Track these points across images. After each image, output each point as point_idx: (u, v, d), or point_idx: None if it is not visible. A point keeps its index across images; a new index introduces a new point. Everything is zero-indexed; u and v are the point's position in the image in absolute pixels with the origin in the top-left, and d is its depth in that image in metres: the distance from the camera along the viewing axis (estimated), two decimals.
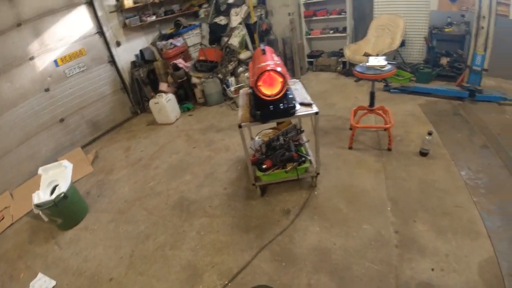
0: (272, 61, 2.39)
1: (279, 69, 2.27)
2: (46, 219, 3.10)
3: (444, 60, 5.40)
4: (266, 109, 2.45)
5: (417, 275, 2.21)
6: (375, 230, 2.59)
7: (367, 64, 3.26)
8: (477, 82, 4.49)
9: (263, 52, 2.56)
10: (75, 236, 3.11)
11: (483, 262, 2.21)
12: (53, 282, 2.57)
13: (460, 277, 2.14)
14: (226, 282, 2.36)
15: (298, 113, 2.52)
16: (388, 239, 2.50)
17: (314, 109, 2.52)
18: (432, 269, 2.22)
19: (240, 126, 2.55)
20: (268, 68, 2.26)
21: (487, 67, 4.33)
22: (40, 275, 2.62)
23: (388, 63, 3.17)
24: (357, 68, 3.32)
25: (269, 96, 2.32)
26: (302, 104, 2.59)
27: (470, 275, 2.14)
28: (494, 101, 4.37)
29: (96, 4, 5.01)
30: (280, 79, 2.28)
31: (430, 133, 3.27)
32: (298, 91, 2.92)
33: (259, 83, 2.29)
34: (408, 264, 2.29)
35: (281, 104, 2.43)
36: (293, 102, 2.49)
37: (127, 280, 2.52)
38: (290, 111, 2.47)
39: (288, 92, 2.53)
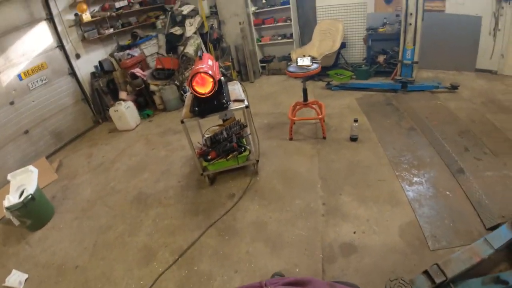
0: (205, 64, 2.80)
1: (210, 71, 2.68)
2: (16, 222, 3.27)
3: (380, 58, 5.95)
4: (202, 105, 2.84)
5: (340, 237, 2.56)
6: (306, 203, 2.99)
7: (297, 64, 3.73)
8: (409, 74, 4.98)
9: (200, 58, 2.97)
10: (43, 235, 3.31)
11: (404, 225, 2.51)
12: (26, 275, 2.79)
13: (379, 238, 2.46)
14: (177, 257, 2.68)
15: (231, 108, 2.93)
16: (316, 210, 2.89)
17: (245, 103, 2.94)
18: (354, 232, 2.58)
19: (182, 122, 2.93)
20: (201, 70, 2.66)
21: (418, 60, 4.80)
22: (14, 271, 2.82)
23: (314, 63, 3.64)
24: (289, 68, 3.75)
25: (202, 94, 2.72)
26: (236, 100, 3.01)
27: (390, 236, 2.43)
28: (426, 90, 4.88)
29: (56, 19, 5.21)
30: (211, 80, 2.68)
31: (355, 120, 3.72)
32: (236, 90, 3.35)
33: (193, 83, 2.68)
34: (332, 228, 2.66)
35: (214, 101, 2.84)
36: (225, 98, 2.90)
37: (91, 266, 2.79)
38: (223, 105, 2.88)
39: (222, 91, 2.94)
